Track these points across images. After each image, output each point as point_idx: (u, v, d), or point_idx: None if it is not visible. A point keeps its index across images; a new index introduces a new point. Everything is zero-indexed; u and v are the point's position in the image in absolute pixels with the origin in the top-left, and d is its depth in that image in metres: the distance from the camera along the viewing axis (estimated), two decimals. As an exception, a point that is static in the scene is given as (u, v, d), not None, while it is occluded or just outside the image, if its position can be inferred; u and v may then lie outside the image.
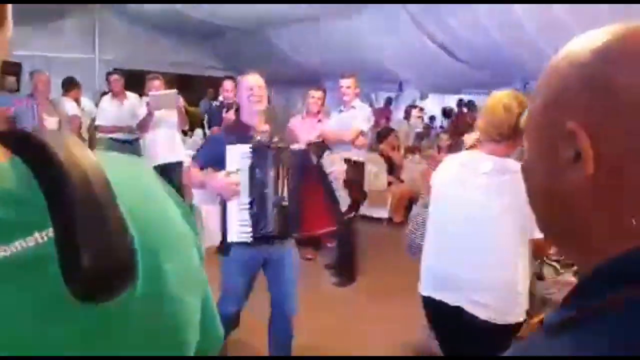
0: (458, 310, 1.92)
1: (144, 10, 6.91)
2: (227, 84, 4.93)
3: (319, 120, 4.74)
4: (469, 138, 2.85)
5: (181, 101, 4.66)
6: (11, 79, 6.56)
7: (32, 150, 0.38)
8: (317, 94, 4.73)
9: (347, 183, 4.43)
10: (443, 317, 2.02)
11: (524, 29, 4.36)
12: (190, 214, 0.54)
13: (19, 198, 0.37)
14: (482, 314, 1.87)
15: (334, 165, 2.41)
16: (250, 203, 2.40)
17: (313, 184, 2.49)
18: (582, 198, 0.46)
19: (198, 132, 6.29)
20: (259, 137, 2.49)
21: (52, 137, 0.40)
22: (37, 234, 0.36)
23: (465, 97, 9.42)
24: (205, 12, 6.80)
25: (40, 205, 0.37)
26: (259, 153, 2.41)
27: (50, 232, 0.36)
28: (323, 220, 2.61)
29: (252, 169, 2.39)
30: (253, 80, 2.57)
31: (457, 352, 2.04)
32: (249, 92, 2.52)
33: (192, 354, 0.48)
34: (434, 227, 2.07)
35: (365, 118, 4.42)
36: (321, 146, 2.56)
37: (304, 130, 4.76)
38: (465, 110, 9.14)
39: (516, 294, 1.88)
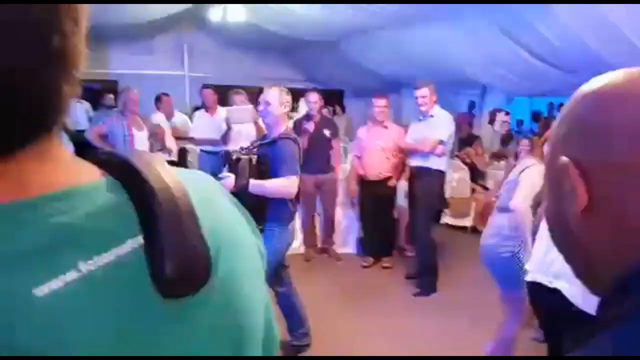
0: (555, 291, 2.10)
1: (228, 27, 7.21)
2: (312, 96, 4.99)
3: (385, 127, 4.72)
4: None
5: (257, 115, 4.78)
6: (109, 96, 7.09)
7: (121, 168, 0.45)
8: (381, 102, 4.72)
9: (419, 192, 4.37)
10: (542, 297, 2.21)
11: (616, 29, 4.06)
12: (255, 224, 0.58)
13: (114, 211, 0.42)
14: (572, 298, 2.02)
15: (227, 178, 2.59)
16: None
17: None
18: (581, 230, 0.51)
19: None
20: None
21: (138, 156, 0.46)
22: (129, 242, 0.42)
23: (556, 101, 8.91)
24: (285, 27, 6.97)
25: (131, 216, 0.43)
26: None
27: (140, 239, 0.42)
28: None
29: None
30: (262, 96, 3.01)
31: (554, 331, 2.23)
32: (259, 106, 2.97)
33: (259, 352, 0.53)
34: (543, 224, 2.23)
35: (445, 126, 4.32)
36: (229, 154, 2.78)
37: (370, 139, 4.76)
38: (556, 114, 8.64)
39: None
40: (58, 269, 0.37)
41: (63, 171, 0.42)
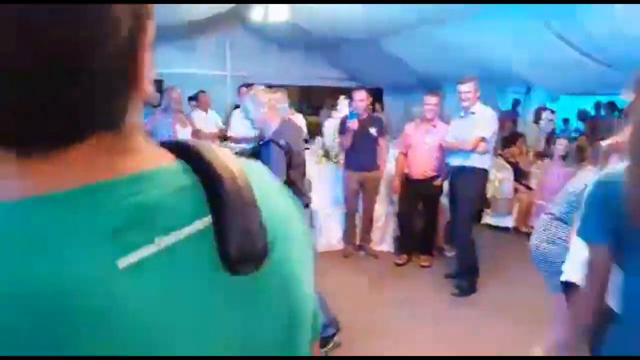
0: None
1: (270, 27, 7.29)
2: (358, 94, 4.99)
3: (434, 126, 4.66)
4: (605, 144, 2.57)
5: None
6: (155, 95, 7.28)
7: (190, 155, 0.49)
8: (433, 100, 4.64)
9: (460, 191, 4.30)
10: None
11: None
12: (305, 216, 0.62)
13: (186, 193, 0.46)
14: None
15: None
16: None
17: None
18: None
19: (318, 140, 6.46)
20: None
21: (204, 145, 0.50)
22: (199, 221, 0.46)
23: (603, 99, 8.60)
24: (325, 26, 7.00)
25: (201, 199, 0.47)
26: None
27: (208, 220, 0.46)
28: None
29: None
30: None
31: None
32: None
33: (307, 337, 0.56)
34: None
35: (488, 123, 4.22)
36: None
37: (418, 136, 4.71)
38: (604, 112, 8.36)
39: None
40: (137, 243, 0.41)
41: (142, 155, 0.46)
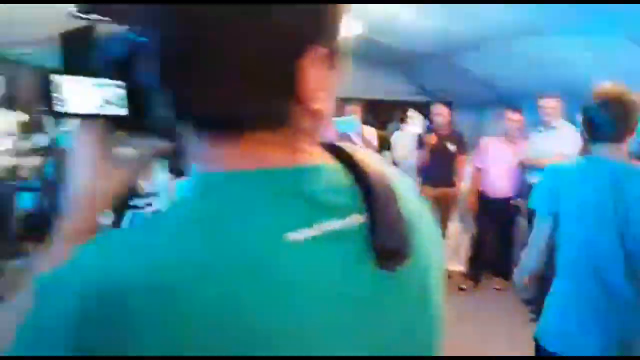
0: None
1: (343, 40, 7.33)
2: (437, 108, 4.91)
3: (514, 143, 4.49)
4: None
5: (359, 127, 4.74)
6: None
7: (342, 156, 0.54)
8: (515, 116, 4.49)
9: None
10: None
11: None
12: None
13: (345, 189, 0.52)
14: None
15: None
16: None
17: None
18: None
19: (385, 154, 6.41)
20: None
21: (348, 146, 0.56)
22: (354, 216, 0.50)
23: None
24: (395, 39, 6.97)
25: (356, 195, 0.51)
26: None
27: (363, 216, 0.50)
28: None
29: None
30: None
31: None
32: None
33: (442, 331, 0.59)
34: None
35: (572, 139, 4.03)
36: None
37: (496, 153, 4.55)
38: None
39: None
40: (304, 223, 0.46)
41: (311, 154, 0.52)
